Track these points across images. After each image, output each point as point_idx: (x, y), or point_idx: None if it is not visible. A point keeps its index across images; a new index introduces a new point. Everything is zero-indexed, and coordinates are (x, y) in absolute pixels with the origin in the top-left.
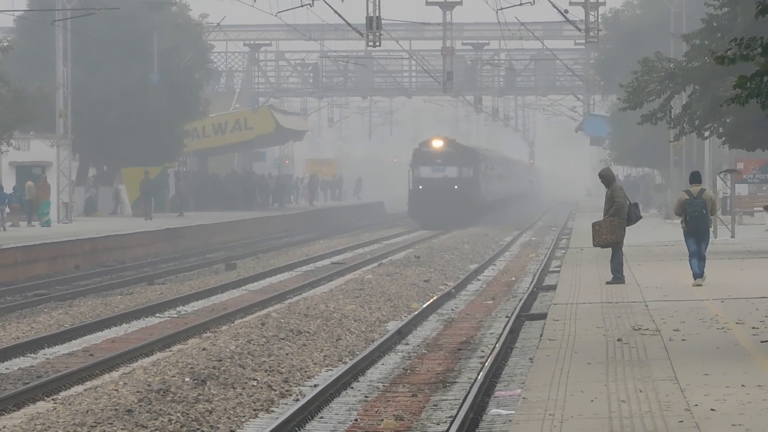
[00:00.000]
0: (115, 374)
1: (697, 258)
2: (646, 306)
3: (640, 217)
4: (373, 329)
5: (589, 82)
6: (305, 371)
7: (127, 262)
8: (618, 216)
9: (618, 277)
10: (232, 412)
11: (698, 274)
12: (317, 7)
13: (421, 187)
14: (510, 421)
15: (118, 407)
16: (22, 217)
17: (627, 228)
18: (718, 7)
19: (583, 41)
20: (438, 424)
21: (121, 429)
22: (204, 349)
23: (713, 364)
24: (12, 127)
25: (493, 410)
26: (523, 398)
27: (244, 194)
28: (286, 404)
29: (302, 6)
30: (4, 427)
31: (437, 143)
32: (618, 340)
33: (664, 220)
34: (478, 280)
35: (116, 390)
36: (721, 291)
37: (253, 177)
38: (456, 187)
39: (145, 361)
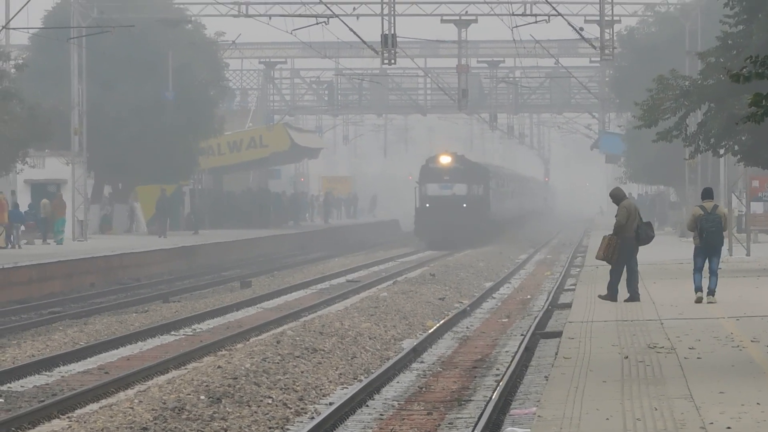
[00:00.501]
0: (130, 392)
1: (707, 273)
2: (662, 324)
3: (652, 237)
4: (388, 347)
5: (604, 100)
6: (320, 389)
7: (142, 280)
8: (617, 235)
9: (610, 294)
10: (247, 430)
11: (700, 288)
12: (332, 25)
13: (428, 204)
14: None
15: (133, 425)
16: (38, 234)
17: (641, 247)
18: (733, 24)
19: (598, 59)
20: None
21: None
22: (219, 367)
23: (728, 382)
24: (27, 145)
25: (508, 428)
26: (539, 416)
27: (259, 212)
28: (302, 422)
29: (317, 24)
30: None
31: (445, 159)
32: (625, 357)
33: (679, 238)
34: (494, 297)
35: (131, 408)
36: (736, 309)
37: (268, 194)
38: (465, 205)
39: (161, 379)
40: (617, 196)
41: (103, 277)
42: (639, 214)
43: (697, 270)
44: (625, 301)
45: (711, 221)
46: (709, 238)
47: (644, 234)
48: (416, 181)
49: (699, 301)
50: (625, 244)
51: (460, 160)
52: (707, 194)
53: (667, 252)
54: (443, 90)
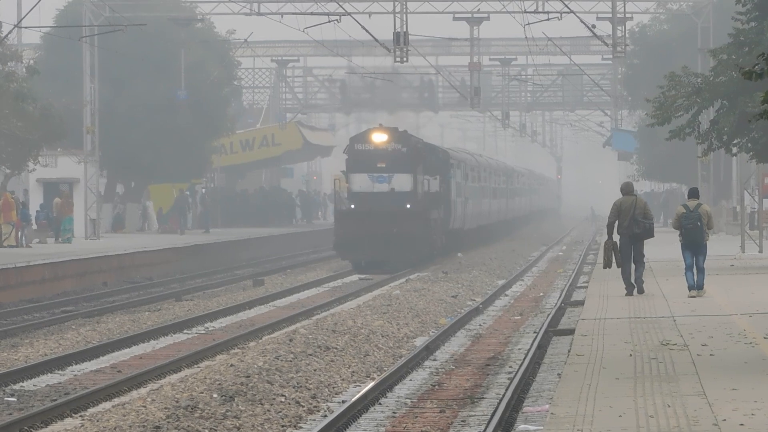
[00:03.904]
0: (143, 391)
1: (694, 270)
2: (674, 321)
3: (637, 233)
4: (400, 345)
5: (616, 97)
6: (333, 387)
7: (154, 279)
8: (610, 236)
9: (627, 289)
10: (260, 428)
11: (692, 286)
12: (345, 23)
13: (353, 206)
14: None
15: (146, 424)
16: (50, 233)
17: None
18: (746, 21)
19: (611, 56)
20: None
21: None
22: (232, 365)
23: (741, 379)
24: (40, 145)
25: (521, 426)
26: (552, 414)
27: (271, 210)
28: (314, 420)
29: (330, 22)
30: None
31: (379, 137)
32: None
33: None
34: (506, 295)
35: (144, 407)
36: (749, 306)
37: (281, 193)
38: (408, 206)
39: (173, 378)
40: (621, 190)
41: (115, 276)
42: (637, 209)
43: (688, 268)
44: (626, 295)
45: (690, 219)
46: (688, 234)
47: (630, 231)
48: (341, 170)
49: (693, 296)
50: (622, 240)
51: (402, 138)
52: (692, 194)
53: (679, 249)
54: (455, 88)
